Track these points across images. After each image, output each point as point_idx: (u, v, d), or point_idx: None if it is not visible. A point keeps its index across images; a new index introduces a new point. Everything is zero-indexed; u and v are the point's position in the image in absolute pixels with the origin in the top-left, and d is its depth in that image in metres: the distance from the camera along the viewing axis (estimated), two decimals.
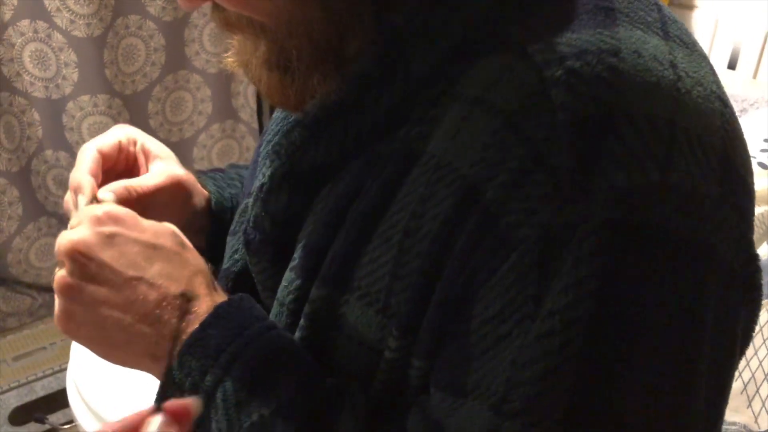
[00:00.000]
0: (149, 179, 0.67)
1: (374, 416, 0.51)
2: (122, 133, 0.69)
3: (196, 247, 0.60)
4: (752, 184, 0.48)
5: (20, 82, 1.95)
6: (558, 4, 0.47)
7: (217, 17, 0.53)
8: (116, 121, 2.05)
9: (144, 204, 0.65)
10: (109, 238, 0.55)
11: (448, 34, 0.47)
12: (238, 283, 0.65)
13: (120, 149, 0.68)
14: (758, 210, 1.09)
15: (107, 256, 0.54)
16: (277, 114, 0.63)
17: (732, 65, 1.78)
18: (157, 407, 0.42)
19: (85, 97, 2.00)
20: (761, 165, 1.23)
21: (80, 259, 0.55)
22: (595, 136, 0.41)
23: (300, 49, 0.50)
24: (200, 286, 0.55)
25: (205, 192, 0.73)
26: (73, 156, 2.08)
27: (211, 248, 0.73)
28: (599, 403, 0.41)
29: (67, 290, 0.55)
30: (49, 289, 2.20)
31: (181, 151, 2.23)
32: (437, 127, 0.47)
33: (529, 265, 0.42)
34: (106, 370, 0.91)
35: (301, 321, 0.55)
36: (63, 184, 2.12)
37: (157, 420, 0.40)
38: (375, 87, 0.50)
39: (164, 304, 0.53)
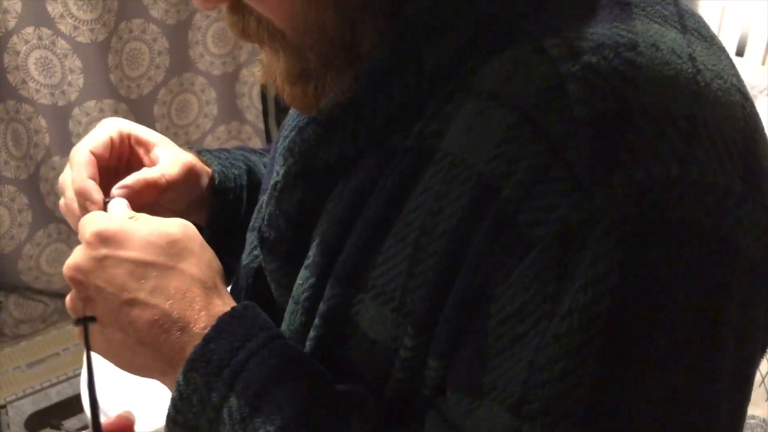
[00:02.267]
0: (170, 169, 0.67)
1: (388, 422, 0.51)
2: (112, 130, 0.69)
3: (199, 224, 0.59)
4: None
5: (26, 89, 1.96)
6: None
7: (235, 26, 0.54)
8: None
9: (161, 191, 0.66)
10: (101, 262, 0.55)
11: (461, 29, 0.47)
12: (258, 278, 0.65)
13: (112, 146, 0.68)
14: None
15: (101, 280, 0.54)
16: (292, 111, 0.63)
17: (740, 52, 1.76)
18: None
19: (91, 103, 2.01)
20: None
21: (79, 284, 0.55)
22: (613, 131, 0.41)
23: (315, 47, 0.50)
24: (196, 299, 0.55)
25: (209, 170, 0.73)
26: None
27: (213, 226, 0.73)
28: (620, 403, 0.40)
29: (75, 313, 0.56)
30: (60, 295, 2.21)
31: None
32: (451, 123, 0.47)
33: (547, 264, 0.41)
34: (119, 375, 0.92)
35: (316, 320, 0.54)
36: None
37: None
38: (387, 82, 0.49)
39: (160, 323, 0.53)
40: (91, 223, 0.57)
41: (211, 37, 2.12)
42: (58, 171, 2.11)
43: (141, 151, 0.70)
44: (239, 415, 0.50)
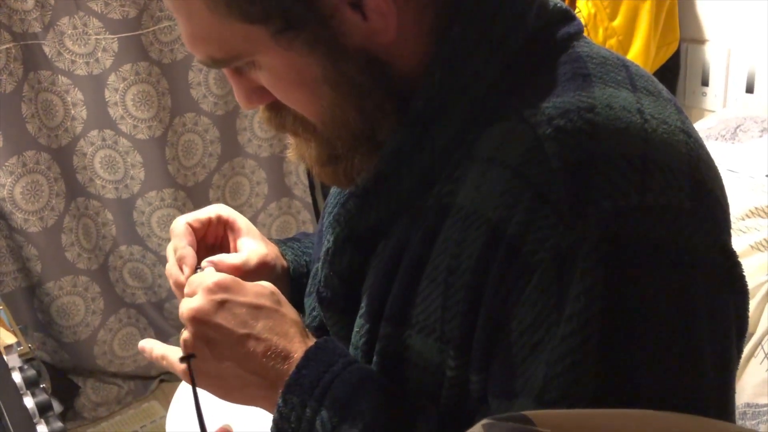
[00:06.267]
0: (248, 261, 0.78)
1: (445, 426, 0.60)
2: (213, 213, 0.81)
3: None
4: (721, 195, 0.57)
5: (93, 186, 2.13)
6: (545, 74, 0.58)
7: (270, 121, 0.66)
8: (182, 212, 2.18)
9: (239, 275, 0.77)
10: (221, 304, 0.65)
11: (460, 111, 0.59)
12: (320, 335, 0.76)
13: (210, 225, 0.81)
14: None
15: (220, 318, 0.65)
16: (334, 189, 0.75)
17: (750, 89, 1.83)
18: None
19: (152, 193, 2.16)
20: None
21: (199, 324, 0.65)
22: (583, 175, 0.51)
23: (342, 139, 0.62)
24: (296, 335, 0.66)
25: (284, 262, 0.84)
26: (145, 249, 2.24)
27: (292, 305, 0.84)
28: (621, 381, 0.49)
29: (192, 350, 0.65)
30: (133, 377, 2.33)
31: None
32: (462, 184, 0.58)
33: (548, 282, 0.51)
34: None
35: (374, 358, 0.65)
36: (139, 277, 2.28)
37: None
38: (408, 158, 0.61)
39: (269, 353, 0.64)
40: (210, 276, 0.68)
41: (258, 123, 2.26)
42: (126, 260, 2.26)
43: (231, 237, 0.82)
44: (330, 425, 0.61)
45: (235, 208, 2.45)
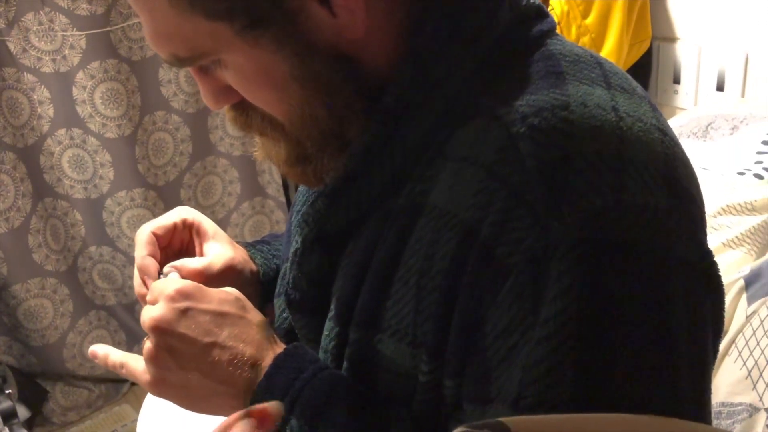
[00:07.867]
0: (213, 265, 0.76)
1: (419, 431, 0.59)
2: (179, 217, 0.79)
3: None
4: (697, 194, 0.56)
5: (61, 186, 2.08)
6: (518, 73, 0.57)
7: (235, 121, 0.64)
8: (152, 212, 2.16)
9: (203, 280, 0.75)
10: (183, 312, 0.63)
11: (432, 109, 0.58)
12: (289, 338, 0.75)
13: (175, 230, 0.78)
14: (758, 219, 1.16)
15: (183, 327, 0.63)
16: (301, 188, 0.74)
17: (720, 87, 1.85)
18: (245, 412, 0.49)
19: (122, 193, 2.12)
20: (757, 176, 1.29)
21: (162, 333, 0.63)
22: (558, 174, 0.51)
23: (312, 138, 0.61)
24: (262, 342, 0.64)
25: (254, 266, 0.83)
26: (115, 250, 2.20)
27: (261, 309, 0.82)
28: (598, 386, 0.49)
29: (156, 360, 0.64)
30: (104, 380, 2.29)
31: None
32: (435, 183, 0.57)
33: (524, 284, 0.50)
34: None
35: (344, 363, 0.63)
36: (109, 278, 2.24)
37: (245, 422, 0.47)
38: (378, 157, 0.59)
39: (235, 362, 0.62)
40: (171, 283, 0.66)
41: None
42: (95, 261, 2.21)
43: (197, 241, 0.80)
44: None
45: (208, 207, 2.40)
